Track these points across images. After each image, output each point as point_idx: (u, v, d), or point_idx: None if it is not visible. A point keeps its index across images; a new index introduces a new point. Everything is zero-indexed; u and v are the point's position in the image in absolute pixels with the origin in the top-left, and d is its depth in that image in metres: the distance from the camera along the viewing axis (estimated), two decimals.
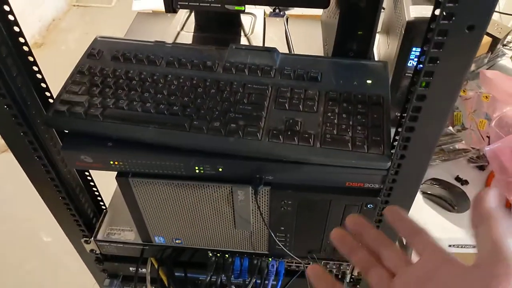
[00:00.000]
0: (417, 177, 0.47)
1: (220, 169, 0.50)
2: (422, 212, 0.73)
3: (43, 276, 1.44)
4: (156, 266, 0.65)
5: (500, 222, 0.28)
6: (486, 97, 0.87)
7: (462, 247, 0.70)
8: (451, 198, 0.71)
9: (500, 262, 0.25)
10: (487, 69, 1.00)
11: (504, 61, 1.06)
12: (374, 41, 0.58)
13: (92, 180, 0.67)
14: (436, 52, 0.36)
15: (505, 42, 1.06)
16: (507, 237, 0.27)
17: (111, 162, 0.51)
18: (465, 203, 0.72)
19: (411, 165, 0.45)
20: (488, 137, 0.81)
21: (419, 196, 0.76)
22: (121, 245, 0.64)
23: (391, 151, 0.45)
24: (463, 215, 0.71)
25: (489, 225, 0.28)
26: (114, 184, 0.61)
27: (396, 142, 0.46)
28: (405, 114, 0.42)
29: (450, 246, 0.70)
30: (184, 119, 0.49)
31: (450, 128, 0.84)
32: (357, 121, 0.48)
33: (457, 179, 0.77)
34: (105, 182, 0.77)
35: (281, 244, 0.57)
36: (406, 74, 0.80)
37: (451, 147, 0.79)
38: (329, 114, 0.49)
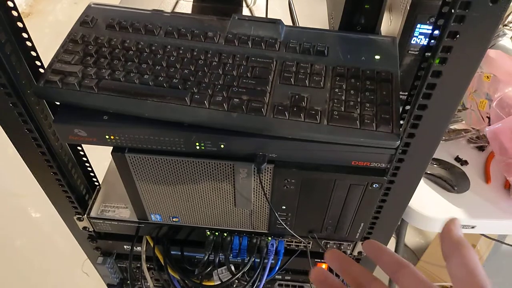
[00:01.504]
0: (426, 156, 0.46)
1: (222, 146, 0.48)
2: (422, 192, 0.73)
3: (32, 253, 1.42)
4: (151, 244, 0.64)
5: (471, 250, 0.28)
6: (488, 77, 0.86)
7: (461, 227, 0.69)
8: (451, 178, 0.71)
9: None
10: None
11: (504, 41, 1.05)
12: (382, 15, 0.56)
13: (84, 155, 0.64)
14: (457, 26, 0.33)
15: (505, 22, 1.05)
16: (479, 265, 0.27)
17: (107, 137, 0.48)
18: (465, 184, 0.71)
19: (421, 144, 0.44)
20: (489, 117, 0.80)
21: None
22: (116, 223, 0.62)
23: (401, 129, 0.44)
24: (462, 196, 0.71)
25: (461, 254, 0.27)
26: (108, 159, 0.58)
27: (405, 120, 0.44)
28: (416, 92, 0.40)
29: None
30: (185, 92, 0.47)
31: None
32: (365, 98, 0.46)
33: (457, 159, 0.77)
34: (98, 157, 0.74)
35: (282, 223, 0.56)
36: (410, 52, 0.78)
37: (451, 127, 0.78)
38: (337, 90, 0.47)
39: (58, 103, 0.51)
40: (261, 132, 0.45)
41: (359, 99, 0.46)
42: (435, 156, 0.77)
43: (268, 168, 0.50)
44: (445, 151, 0.78)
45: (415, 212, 0.71)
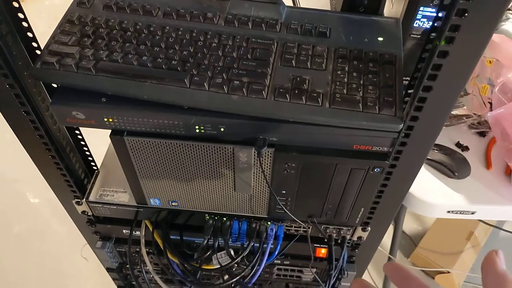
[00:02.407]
0: (429, 140, 0.45)
1: (222, 129, 0.47)
2: (422, 178, 0.72)
3: (31, 238, 1.42)
4: (150, 228, 0.64)
5: None
6: (490, 61, 0.85)
7: (461, 213, 0.69)
8: (451, 164, 0.70)
9: None
10: None
11: (507, 26, 1.04)
12: None
13: (83, 139, 0.64)
14: (465, 3, 0.33)
15: (509, 6, 1.03)
16: None
17: (105, 119, 0.48)
18: (466, 169, 0.71)
19: (424, 127, 0.43)
20: (490, 103, 0.80)
21: None
22: (115, 207, 0.62)
23: (403, 113, 0.43)
24: (463, 181, 0.71)
25: None
26: (107, 143, 0.58)
27: (408, 103, 0.43)
28: (421, 73, 0.40)
29: (448, 212, 0.70)
30: (184, 74, 0.46)
31: None
32: (368, 80, 0.45)
33: (458, 145, 0.76)
34: (97, 141, 0.74)
35: (282, 208, 0.56)
36: (412, 35, 0.77)
37: (452, 112, 0.78)
38: (339, 72, 0.46)
39: (55, 85, 0.50)
40: (262, 115, 0.45)
41: (361, 82, 0.45)
42: (436, 142, 0.77)
43: (268, 152, 0.49)
44: (446, 137, 0.77)
45: (415, 198, 0.71)
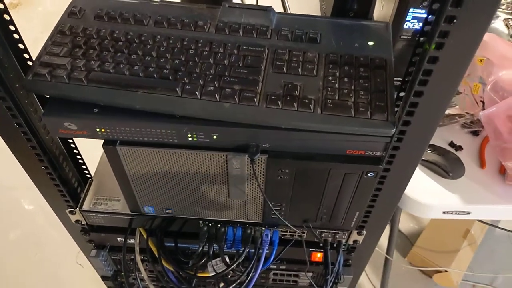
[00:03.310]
0: (422, 144, 0.46)
1: (215, 137, 0.47)
2: (416, 178, 0.72)
3: (26, 245, 1.42)
4: (145, 236, 0.63)
5: None
6: (481, 60, 0.85)
7: (456, 213, 0.70)
8: (445, 164, 0.71)
9: None
10: None
11: (496, 24, 1.04)
12: (375, 0, 0.55)
13: (76, 148, 0.64)
14: (454, 10, 0.33)
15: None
16: None
17: (98, 130, 0.48)
18: (460, 169, 0.71)
19: (417, 132, 0.44)
20: (483, 101, 0.80)
21: None
22: (108, 216, 0.61)
23: (395, 117, 0.43)
24: (457, 181, 0.71)
25: None
26: (99, 150, 0.57)
27: (400, 108, 0.43)
28: (411, 78, 0.40)
29: (444, 212, 0.70)
30: (176, 83, 0.46)
31: None
32: (359, 86, 0.45)
33: (451, 144, 0.77)
34: (90, 148, 0.73)
35: (276, 214, 0.56)
36: (402, 37, 0.78)
37: (445, 112, 0.78)
38: (330, 77, 0.46)
39: (47, 96, 0.50)
40: (254, 122, 0.45)
41: (353, 87, 0.46)
42: (430, 142, 0.77)
43: (261, 158, 0.49)
44: (439, 137, 0.78)
45: (409, 199, 0.71)
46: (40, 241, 1.42)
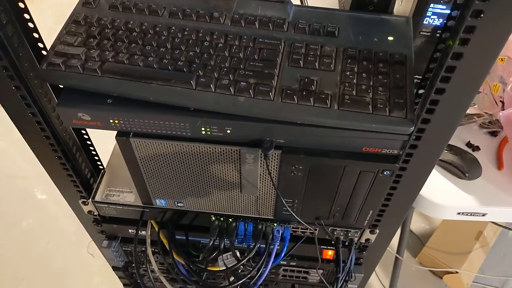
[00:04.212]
0: (441, 143, 0.44)
1: (228, 131, 0.46)
2: (432, 178, 0.71)
3: (38, 234, 1.43)
4: (156, 228, 0.63)
5: None
6: (502, 59, 0.83)
7: (471, 214, 0.68)
8: (462, 165, 0.69)
9: None
10: None
11: None
12: None
13: (89, 139, 0.64)
14: (482, 4, 0.31)
15: None
16: None
17: (111, 121, 0.47)
18: (477, 170, 0.70)
19: (436, 130, 0.42)
20: (502, 101, 0.78)
21: None
22: (120, 207, 0.61)
23: (414, 115, 0.42)
24: (474, 182, 0.69)
25: None
26: (112, 141, 0.57)
27: (419, 105, 0.42)
28: (433, 75, 0.39)
29: (459, 213, 0.69)
30: (190, 75, 0.45)
31: None
32: (378, 82, 0.44)
33: (468, 144, 0.75)
34: (103, 139, 0.73)
35: (288, 210, 0.55)
36: (421, 33, 0.76)
37: None
38: (348, 73, 0.45)
39: (61, 86, 0.50)
40: (269, 117, 0.44)
41: (371, 83, 0.44)
42: None
43: (275, 154, 0.48)
44: (456, 136, 0.76)
45: (424, 199, 0.70)
46: (51, 231, 1.44)
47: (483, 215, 0.69)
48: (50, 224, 1.46)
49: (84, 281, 1.32)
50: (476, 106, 0.79)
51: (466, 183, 0.70)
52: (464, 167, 0.69)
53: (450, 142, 0.75)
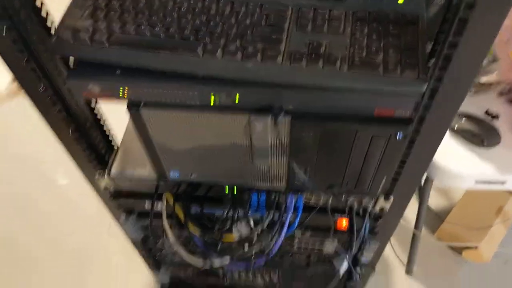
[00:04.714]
0: (454, 103, 0.43)
1: (237, 98, 0.46)
2: (448, 147, 0.70)
3: (59, 218, 1.47)
4: (171, 201, 0.64)
5: None
6: None
7: (489, 183, 0.67)
8: (480, 133, 0.67)
9: None
10: None
11: None
12: None
13: (101, 115, 0.64)
14: None
15: None
16: None
17: (121, 92, 0.48)
18: (495, 138, 0.68)
19: (450, 88, 0.41)
20: None
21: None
22: (135, 181, 0.62)
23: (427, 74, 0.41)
24: (492, 150, 0.68)
25: None
26: (126, 120, 0.58)
27: (433, 63, 0.41)
28: (447, 28, 0.37)
29: (477, 182, 0.67)
30: (197, 43, 0.45)
31: None
32: (389, 43, 0.43)
33: (487, 113, 0.73)
34: (118, 118, 0.74)
35: (301, 178, 0.55)
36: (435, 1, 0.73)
37: (481, 79, 0.74)
38: (357, 35, 0.44)
39: (71, 61, 0.50)
40: (278, 81, 0.43)
41: (381, 44, 0.43)
42: (463, 109, 0.73)
43: (285, 120, 0.48)
44: (474, 105, 0.74)
45: (441, 168, 0.69)
46: (72, 214, 1.48)
47: (503, 183, 0.67)
48: (71, 208, 1.49)
49: (103, 260, 1.35)
50: (495, 73, 0.77)
51: (484, 151, 0.68)
52: (482, 134, 0.68)
53: (468, 111, 0.73)
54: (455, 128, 0.70)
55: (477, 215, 1.27)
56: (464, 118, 0.70)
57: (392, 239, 1.35)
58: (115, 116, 0.72)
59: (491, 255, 1.26)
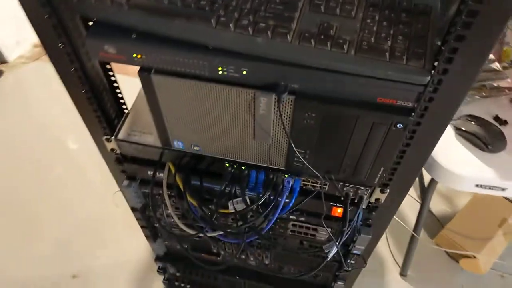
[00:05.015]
0: (457, 97, 0.43)
1: (244, 72, 0.47)
2: (453, 149, 0.70)
3: (68, 181, 1.52)
4: (173, 171, 0.66)
5: None
6: None
7: (489, 188, 0.67)
8: (485, 136, 0.67)
9: None
10: None
11: None
12: None
13: (115, 81, 0.66)
14: None
15: None
16: None
17: (134, 55, 0.49)
18: (501, 143, 0.68)
19: (453, 82, 0.42)
20: None
21: (451, 132, 0.72)
22: (141, 147, 0.64)
23: (434, 65, 0.41)
24: (496, 155, 0.68)
25: None
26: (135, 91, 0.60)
27: (440, 55, 0.41)
28: (454, 21, 0.38)
29: (477, 186, 0.67)
30: (211, 14, 0.46)
31: (497, 64, 0.78)
32: (399, 31, 0.44)
33: (496, 118, 0.73)
34: (130, 88, 0.76)
35: (300, 160, 0.56)
36: None
37: (494, 84, 0.74)
38: (368, 20, 0.45)
39: (91, 24, 0.52)
40: (285, 59, 0.44)
41: (391, 31, 0.44)
42: (472, 113, 0.73)
43: (289, 99, 0.49)
44: (484, 109, 0.74)
45: (442, 168, 0.69)
46: (80, 179, 1.52)
47: (503, 189, 0.67)
48: (79, 173, 1.53)
49: (107, 227, 1.39)
50: (508, 79, 0.76)
51: (488, 156, 0.68)
52: (488, 138, 0.67)
53: (477, 114, 0.73)
54: (462, 129, 0.70)
55: (479, 225, 1.27)
56: (472, 121, 0.70)
57: (390, 240, 1.36)
58: (127, 86, 0.74)
59: (489, 266, 1.25)
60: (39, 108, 1.80)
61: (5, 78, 1.94)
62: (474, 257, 1.21)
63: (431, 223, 1.38)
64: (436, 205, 1.43)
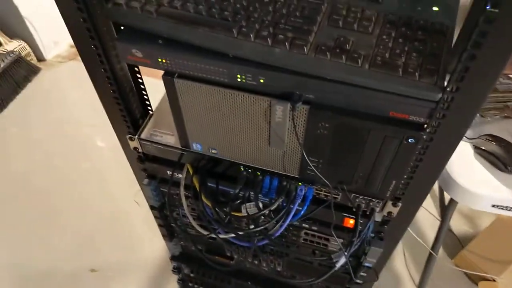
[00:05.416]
0: (469, 114, 0.44)
1: (262, 80, 0.49)
2: (470, 168, 0.69)
3: (94, 176, 1.58)
4: (191, 172, 0.68)
5: None
6: None
7: (506, 209, 0.66)
8: (505, 157, 0.66)
9: None
10: None
11: None
12: None
13: (142, 83, 0.70)
14: None
15: None
16: None
17: (159, 60, 0.52)
18: None
19: (466, 100, 0.42)
20: None
21: (470, 151, 0.71)
22: (162, 147, 0.67)
23: (446, 83, 0.42)
24: None
25: None
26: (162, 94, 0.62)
27: (451, 73, 0.42)
28: (466, 41, 0.38)
29: (493, 206, 0.66)
30: (234, 24, 0.48)
31: None
32: (413, 48, 0.45)
33: None
34: (155, 91, 0.80)
35: (312, 170, 0.57)
36: None
37: None
38: (384, 37, 0.46)
39: (122, 28, 0.55)
40: (301, 70, 0.46)
41: (406, 48, 0.45)
42: (493, 133, 0.72)
43: (303, 109, 0.50)
44: (505, 129, 0.73)
45: (460, 187, 0.68)
46: (105, 176, 1.58)
47: None
48: (105, 169, 1.60)
49: (127, 223, 1.43)
50: None
51: (507, 177, 0.67)
52: (507, 159, 0.67)
53: (497, 134, 0.72)
54: (482, 148, 0.69)
55: (501, 248, 1.23)
56: (492, 140, 0.69)
57: (408, 257, 1.34)
58: (155, 88, 0.78)
59: None
60: (72, 105, 1.89)
61: (42, 75, 2.05)
62: (494, 280, 1.18)
63: (452, 243, 1.35)
64: (458, 225, 1.40)
